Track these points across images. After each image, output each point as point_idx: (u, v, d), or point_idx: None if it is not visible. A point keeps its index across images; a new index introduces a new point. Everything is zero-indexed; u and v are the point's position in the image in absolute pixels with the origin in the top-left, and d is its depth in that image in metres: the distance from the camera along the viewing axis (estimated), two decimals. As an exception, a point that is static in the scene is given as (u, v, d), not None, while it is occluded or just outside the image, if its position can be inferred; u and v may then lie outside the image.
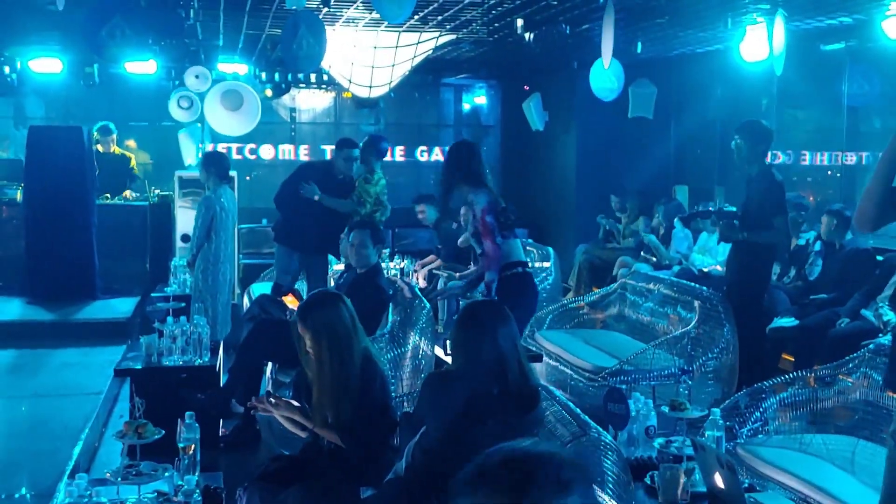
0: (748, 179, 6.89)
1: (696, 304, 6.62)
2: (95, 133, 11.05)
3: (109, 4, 7.69)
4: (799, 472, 4.29)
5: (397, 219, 13.71)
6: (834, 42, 9.90)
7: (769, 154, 7.06)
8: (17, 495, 5.06)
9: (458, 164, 6.03)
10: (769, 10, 8.34)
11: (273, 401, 4.18)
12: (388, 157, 15.19)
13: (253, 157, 14.15)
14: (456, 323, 3.75)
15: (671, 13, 8.74)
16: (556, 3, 8.49)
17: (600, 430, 3.49)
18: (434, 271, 9.15)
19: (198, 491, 3.67)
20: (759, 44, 8.73)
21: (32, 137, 9.70)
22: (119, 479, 3.79)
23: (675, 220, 10.17)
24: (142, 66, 11.11)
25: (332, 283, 7.77)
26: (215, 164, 7.99)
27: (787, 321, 7.41)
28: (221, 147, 13.98)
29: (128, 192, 11.12)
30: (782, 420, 4.90)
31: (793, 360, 7.36)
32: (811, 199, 11.20)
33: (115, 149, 11.51)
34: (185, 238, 10.59)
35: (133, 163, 11.81)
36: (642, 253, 10.34)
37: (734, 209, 7.15)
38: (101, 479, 3.96)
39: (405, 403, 5.53)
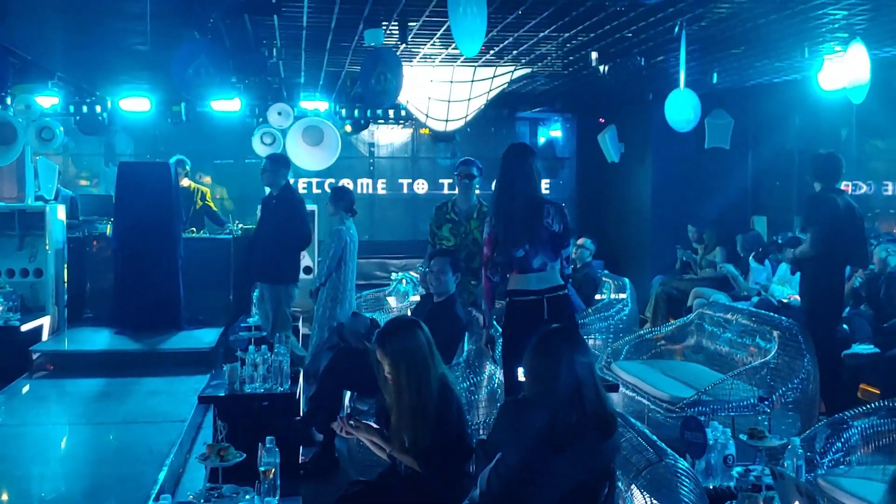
0: None
1: (775, 334, 6.54)
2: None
3: (195, 45, 7.94)
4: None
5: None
6: (914, 70, 9.74)
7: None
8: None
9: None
10: (847, 39, 8.26)
11: (353, 423, 4.25)
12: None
13: (332, 191, 14.40)
14: (530, 350, 3.74)
15: (747, 43, 8.71)
16: (630, 35, 8.53)
17: (677, 456, 3.46)
18: None
19: (278, 513, 3.75)
20: (837, 73, 8.63)
21: (122, 173, 10.01)
22: (202, 500, 3.92)
23: (750, 258, 10.07)
24: (227, 104, 11.45)
25: (409, 313, 7.86)
26: (343, 199, 8.50)
27: (864, 348, 7.27)
28: (302, 181, 14.27)
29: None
30: (865, 451, 4.80)
31: (876, 391, 7.20)
32: (895, 231, 10.96)
33: (186, 182, 11.74)
34: (307, 270, 11.01)
35: (208, 197, 12.03)
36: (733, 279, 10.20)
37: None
38: (185, 502, 4.07)
39: (481, 431, 5.55)
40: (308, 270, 11.12)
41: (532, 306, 5.43)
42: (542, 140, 16.22)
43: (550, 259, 5.46)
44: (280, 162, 9.07)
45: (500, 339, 5.81)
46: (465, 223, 7.48)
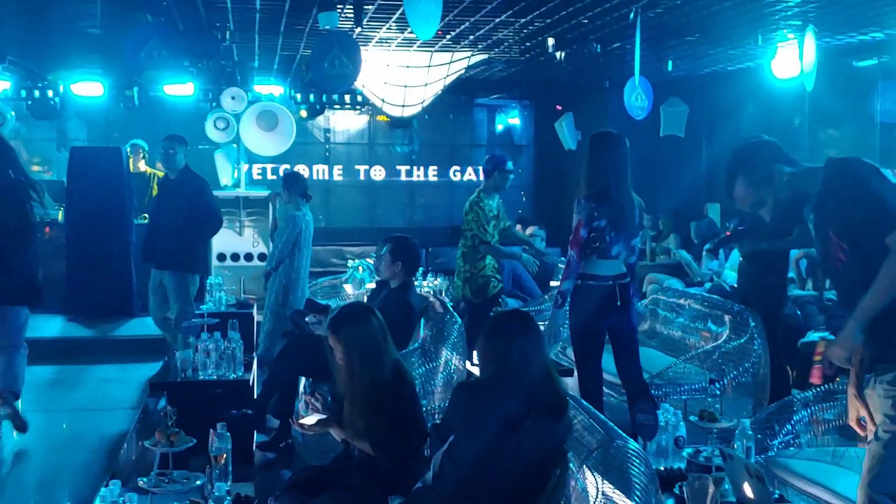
0: None
1: (727, 318, 6.62)
2: (128, 150, 11.15)
3: (147, 28, 7.87)
4: (831, 484, 4.25)
5: (431, 237, 13.80)
6: (866, 58, 9.87)
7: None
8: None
9: (587, 161, 5.73)
10: (800, 27, 8.35)
11: (306, 422, 4.25)
12: (420, 178, 15.46)
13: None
14: (482, 334, 3.77)
15: (701, 31, 8.79)
16: (586, 21, 8.57)
17: (628, 438, 3.48)
18: None
19: (229, 498, 3.73)
20: (790, 61, 8.73)
21: (74, 158, 9.93)
22: (151, 486, 3.89)
23: (704, 252, 10.17)
24: (180, 89, 11.34)
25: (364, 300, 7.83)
26: (296, 184, 8.33)
27: (820, 335, 7.35)
28: (257, 167, 14.16)
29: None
30: (814, 433, 4.86)
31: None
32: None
33: (141, 166, 11.56)
34: (261, 257, 11.03)
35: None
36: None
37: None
38: (134, 487, 4.04)
39: (436, 416, 5.55)
40: (262, 257, 11.08)
41: (607, 291, 5.55)
42: (499, 127, 16.25)
43: (624, 249, 5.63)
44: (178, 140, 8.31)
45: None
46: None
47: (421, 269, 9.71)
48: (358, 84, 10.62)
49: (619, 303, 5.56)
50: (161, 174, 11.36)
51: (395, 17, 8.64)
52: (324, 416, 4.29)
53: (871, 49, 9.57)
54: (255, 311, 8.95)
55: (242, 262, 11.32)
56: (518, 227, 10.79)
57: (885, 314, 3.36)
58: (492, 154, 7.89)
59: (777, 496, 3.90)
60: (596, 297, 5.55)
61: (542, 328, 3.93)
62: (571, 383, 7.06)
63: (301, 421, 4.34)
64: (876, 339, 3.43)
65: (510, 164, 7.60)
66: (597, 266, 5.57)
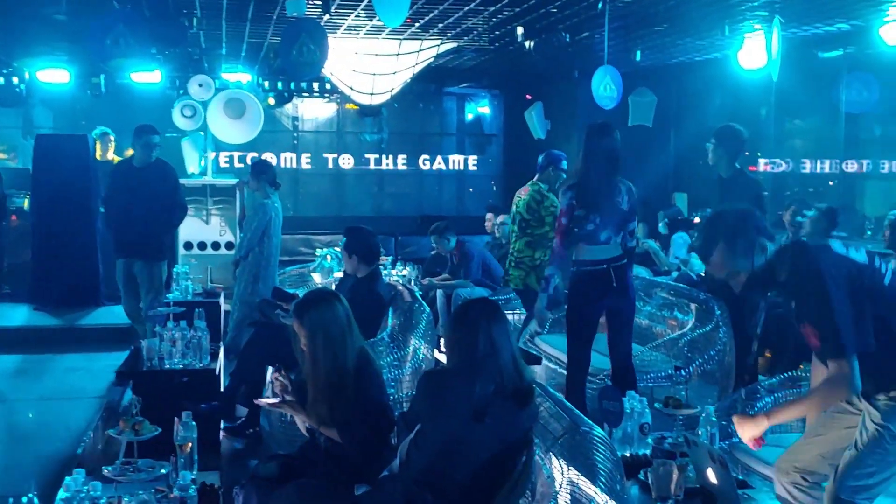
0: (720, 182, 6.87)
1: (693, 307, 6.67)
2: (96, 139, 11.05)
3: (113, 14, 7.80)
4: (793, 469, 4.28)
5: (401, 226, 13.80)
6: (832, 49, 9.96)
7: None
8: (23, 498, 5.10)
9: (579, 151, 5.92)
10: (767, 18, 8.41)
11: (278, 396, 4.24)
12: (389, 166, 15.44)
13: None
14: (449, 322, 3.79)
15: (669, 21, 8.83)
16: (555, 10, 8.58)
17: (593, 424, 3.50)
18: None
19: (194, 487, 3.71)
20: (756, 52, 8.79)
21: (39, 146, 9.84)
22: (116, 474, 3.87)
23: (664, 221, 10.24)
24: (147, 76, 11.28)
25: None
26: (265, 172, 8.26)
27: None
28: (224, 155, 14.08)
29: None
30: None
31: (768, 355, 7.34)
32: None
33: (111, 156, 11.45)
34: (229, 245, 11.05)
35: None
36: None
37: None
38: (99, 476, 4.01)
39: (404, 405, 5.55)
40: (230, 246, 11.04)
41: (601, 275, 5.70)
42: (469, 116, 16.26)
43: (614, 234, 5.75)
44: (156, 132, 8.07)
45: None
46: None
47: (390, 259, 9.72)
48: (326, 72, 10.59)
49: (615, 284, 5.70)
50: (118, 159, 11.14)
51: (363, 4, 8.61)
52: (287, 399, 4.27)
53: (837, 40, 9.66)
54: (221, 299, 8.91)
55: (209, 250, 11.27)
56: (489, 215, 10.80)
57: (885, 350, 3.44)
58: (548, 151, 8.05)
59: (740, 481, 3.94)
60: (592, 280, 5.71)
61: (509, 317, 3.95)
62: (539, 371, 7.13)
63: (264, 400, 4.33)
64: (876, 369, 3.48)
65: (565, 164, 7.72)
66: (587, 252, 5.74)
